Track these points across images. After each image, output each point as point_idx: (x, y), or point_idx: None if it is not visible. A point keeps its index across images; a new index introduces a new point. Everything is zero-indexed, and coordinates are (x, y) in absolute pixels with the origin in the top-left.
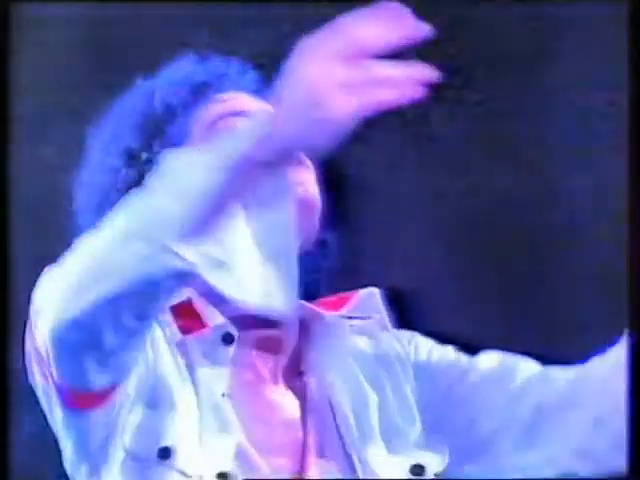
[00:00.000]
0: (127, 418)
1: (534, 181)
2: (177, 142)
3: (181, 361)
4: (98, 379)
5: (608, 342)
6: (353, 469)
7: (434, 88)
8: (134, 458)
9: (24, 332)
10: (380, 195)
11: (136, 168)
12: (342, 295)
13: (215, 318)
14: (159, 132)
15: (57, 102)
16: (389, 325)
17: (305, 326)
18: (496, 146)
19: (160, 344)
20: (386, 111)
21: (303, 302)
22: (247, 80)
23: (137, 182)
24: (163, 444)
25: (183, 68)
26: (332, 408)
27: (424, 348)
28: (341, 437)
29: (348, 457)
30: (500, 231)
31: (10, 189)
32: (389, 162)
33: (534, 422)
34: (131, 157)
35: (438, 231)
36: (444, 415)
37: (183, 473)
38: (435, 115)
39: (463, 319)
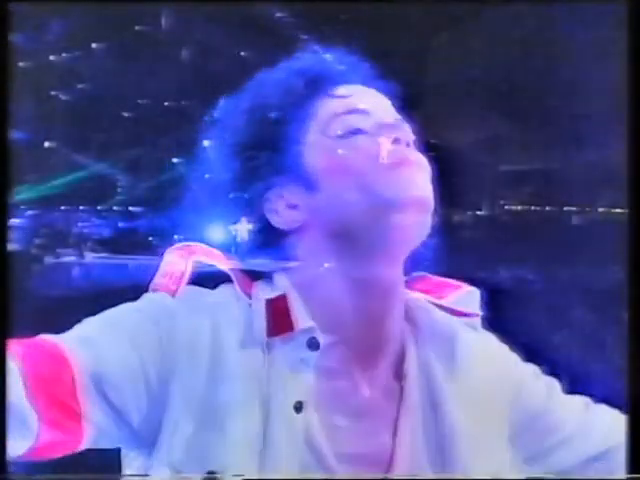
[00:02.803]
0: (172, 437)
1: None
2: (294, 135)
3: (261, 364)
4: None
5: None
6: (448, 468)
7: None
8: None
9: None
10: None
11: (249, 164)
12: (445, 282)
13: (304, 321)
14: (275, 125)
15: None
16: (479, 327)
17: (412, 319)
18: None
19: (233, 351)
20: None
21: (408, 292)
22: (361, 73)
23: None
24: (210, 467)
25: (299, 61)
26: (435, 406)
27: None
28: (441, 435)
29: (443, 454)
30: None
31: None
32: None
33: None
34: (245, 150)
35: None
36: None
37: None
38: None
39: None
